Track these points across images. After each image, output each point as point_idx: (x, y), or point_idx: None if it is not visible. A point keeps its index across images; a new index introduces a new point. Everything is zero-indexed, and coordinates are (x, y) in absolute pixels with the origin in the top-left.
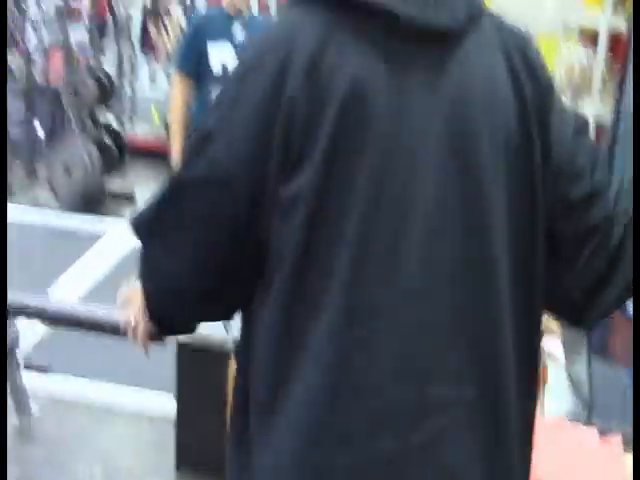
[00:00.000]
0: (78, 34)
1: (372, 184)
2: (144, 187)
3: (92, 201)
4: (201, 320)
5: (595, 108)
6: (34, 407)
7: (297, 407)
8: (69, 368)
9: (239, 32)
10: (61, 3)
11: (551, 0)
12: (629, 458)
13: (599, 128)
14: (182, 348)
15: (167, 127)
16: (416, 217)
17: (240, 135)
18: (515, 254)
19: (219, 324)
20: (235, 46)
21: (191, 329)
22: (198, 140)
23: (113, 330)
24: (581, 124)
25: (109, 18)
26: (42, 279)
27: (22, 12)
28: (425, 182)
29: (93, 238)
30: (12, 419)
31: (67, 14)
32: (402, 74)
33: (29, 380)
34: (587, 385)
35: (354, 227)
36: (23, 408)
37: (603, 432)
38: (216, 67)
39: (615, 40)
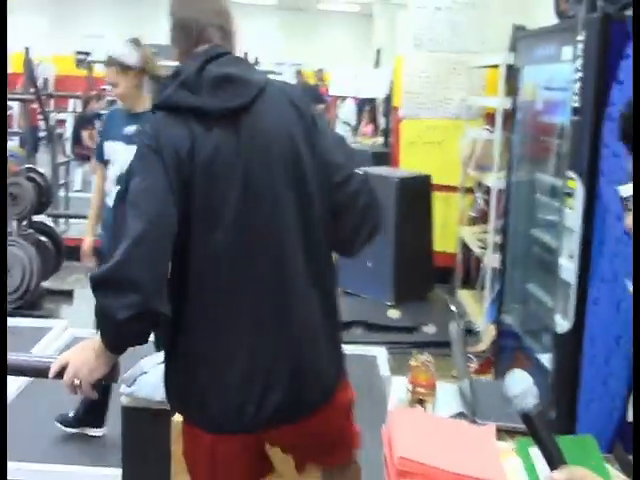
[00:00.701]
0: (10, 142)
1: (219, 199)
2: (81, 284)
3: (30, 299)
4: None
5: (496, 176)
6: None
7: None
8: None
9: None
10: None
11: (458, 90)
12: (500, 443)
13: (499, 192)
14: (126, 410)
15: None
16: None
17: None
18: (303, 225)
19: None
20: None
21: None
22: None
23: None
24: (339, 137)
25: (40, 125)
26: None
27: None
28: (233, 189)
29: (35, 337)
30: None
31: None
32: (216, 136)
33: None
34: (470, 395)
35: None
36: None
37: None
38: (112, 164)
39: (506, 115)
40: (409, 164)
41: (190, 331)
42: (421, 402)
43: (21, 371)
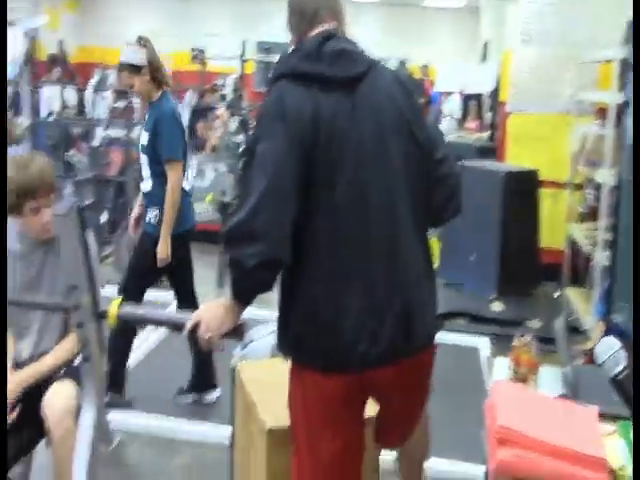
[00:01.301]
0: (134, 131)
1: (338, 157)
2: (198, 262)
3: None
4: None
5: (608, 173)
6: (116, 438)
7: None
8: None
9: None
10: (119, 104)
11: (568, 85)
12: (602, 425)
13: (610, 188)
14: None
15: (219, 209)
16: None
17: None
18: (408, 186)
19: None
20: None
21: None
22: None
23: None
24: (435, 127)
25: None
26: None
27: (84, 114)
28: (349, 151)
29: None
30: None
31: (122, 114)
32: (335, 108)
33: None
34: (573, 379)
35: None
36: (106, 438)
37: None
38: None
39: (619, 110)
40: (515, 159)
41: (309, 278)
42: (523, 380)
43: (160, 324)
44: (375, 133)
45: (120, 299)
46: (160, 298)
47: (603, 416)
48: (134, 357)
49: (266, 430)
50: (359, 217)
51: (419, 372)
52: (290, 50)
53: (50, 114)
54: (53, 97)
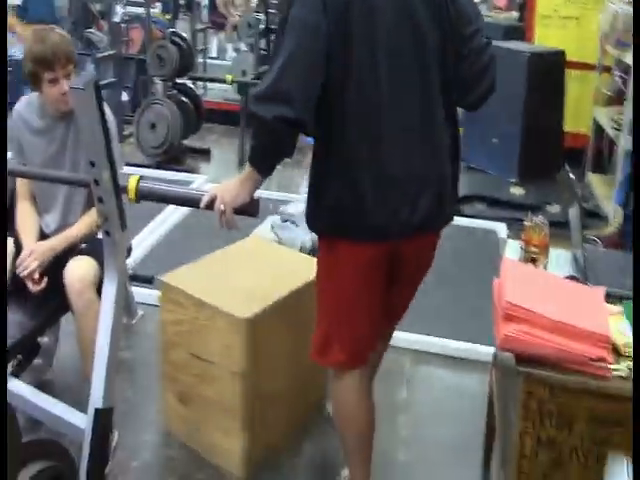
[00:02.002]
0: (152, 9)
1: (371, 30)
2: (218, 144)
3: (173, 154)
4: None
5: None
6: (140, 311)
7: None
8: None
9: None
10: None
11: None
12: (608, 305)
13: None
14: None
15: (240, 89)
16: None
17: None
18: (441, 62)
19: None
20: None
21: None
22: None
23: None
24: (474, 2)
25: None
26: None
27: None
28: (384, 23)
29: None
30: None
31: None
32: None
33: (136, 289)
34: (583, 261)
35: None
36: (130, 310)
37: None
38: None
39: None
40: (544, 39)
41: (351, 146)
42: (533, 261)
43: (178, 200)
44: (407, 9)
45: (139, 176)
46: (181, 177)
47: (609, 297)
48: (153, 237)
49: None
50: (394, 91)
51: (432, 249)
52: None
53: None
54: None
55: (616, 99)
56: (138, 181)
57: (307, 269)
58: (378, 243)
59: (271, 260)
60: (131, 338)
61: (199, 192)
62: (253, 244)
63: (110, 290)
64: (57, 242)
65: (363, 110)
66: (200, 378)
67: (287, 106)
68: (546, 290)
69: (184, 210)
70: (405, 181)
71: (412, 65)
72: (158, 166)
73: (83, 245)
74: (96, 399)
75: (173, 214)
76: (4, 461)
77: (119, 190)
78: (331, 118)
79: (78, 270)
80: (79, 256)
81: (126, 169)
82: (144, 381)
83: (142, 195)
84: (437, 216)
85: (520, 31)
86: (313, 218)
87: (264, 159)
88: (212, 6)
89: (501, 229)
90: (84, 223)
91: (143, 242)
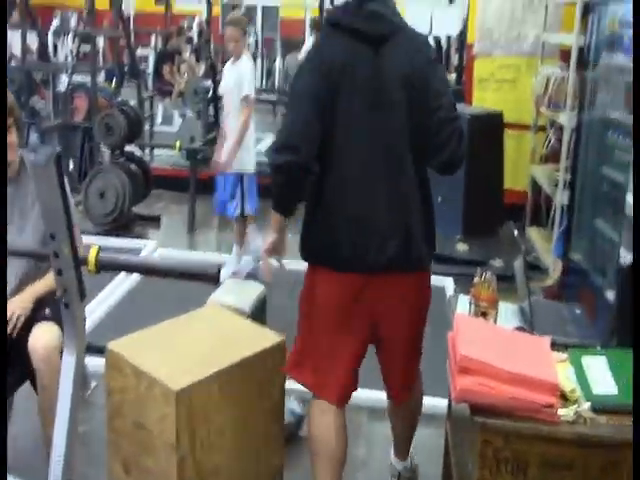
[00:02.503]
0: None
1: (351, 109)
2: (167, 211)
3: (122, 222)
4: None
5: (570, 115)
6: (93, 381)
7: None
8: None
9: None
10: (83, 49)
11: (534, 27)
12: (554, 353)
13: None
14: None
15: (188, 155)
16: (364, 116)
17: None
18: (409, 127)
19: None
20: None
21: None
22: (294, 94)
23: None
24: (444, 79)
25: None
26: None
27: (47, 59)
28: (365, 94)
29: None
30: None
31: (86, 59)
32: (363, 56)
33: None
34: (529, 312)
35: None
36: (84, 382)
37: None
38: None
39: (581, 53)
40: (481, 101)
41: (325, 195)
42: (484, 314)
43: (138, 269)
44: (387, 82)
45: (98, 246)
46: (130, 245)
47: (555, 345)
48: (105, 305)
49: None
50: (370, 146)
51: (413, 292)
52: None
53: (11, 59)
54: (14, 41)
55: (551, 157)
56: (98, 252)
57: (259, 339)
58: (349, 274)
59: (223, 329)
60: (85, 410)
61: (157, 259)
62: (208, 312)
63: (70, 361)
64: (27, 295)
65: (341, 165)
66: (142, 447)
67: (295, 154)
68: (497, 342)
69: (136, 277)
70: (374, 227)
71: (383, 127)
72: (106, 234)
73: (47, 311)
74: (55, 476)
75: (124, 282)
76: (4, 461)
77: (79, 262)
78: (322, 173)
79: (43, 336)
80: (43, 322)
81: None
82: (100, 455)
83: (102, 266)
84: (404, 258)
85: (459, 94)
86: (301, 249)
87: (282, 200)
88: (157, 73)
89: (449, 284)
90: (50, 279)
91: (96, 310)
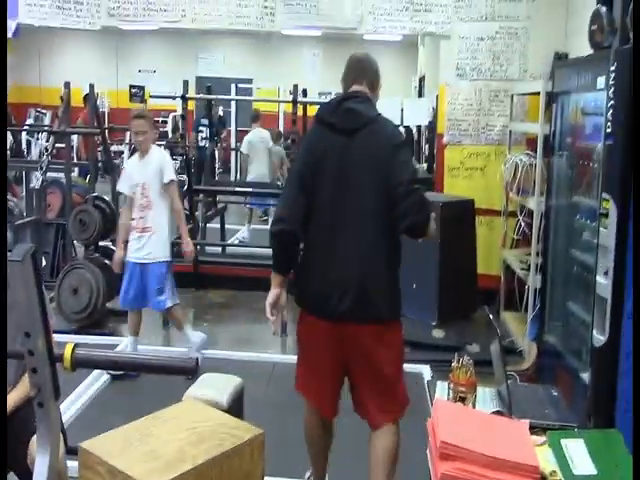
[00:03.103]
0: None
1: (325, 186)
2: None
3: (96, 318)
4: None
5: (538, 200)
6: None
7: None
8: None
9: None
10: (57, 146)
11: (500, 117)
12: (533, 436)
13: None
14: None
15: None
16: (332, 199)
17: (298, 165)
18: (375, 207)
19: None
20: None
21: (291, 252)
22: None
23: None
24: (407, 162)
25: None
26: None
27: (21, 155)
28: (333, 176)
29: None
30: None
31: (59, 156)
32: (337, 143)
33: None
34: (507, 396)
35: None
36: None
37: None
38: None
39: (546, 141)
40: (452, 189)
41: (306, 254)
42: (462, 400)
43: (115, 365)
44: (357, 165)
45: (74, 343)
46: (104, 341)
47: (533, 428)
48: (80, 403)
49: None
50: (336, 219)
51: (383, 339)
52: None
53: None
54: None
55: (522, 241)
56: (73, 349)
57: (237, 432)
58: (318, 317)
59: (200, 423)
60: None
61: (134, 354)
62: (184, 407)
63: (43, 462)
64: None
65: (316, 231)
66: None
67: (284, 224)
68: (476, 427)
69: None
70: (335, 283)
71: (348, 202)
72: (77, 332)
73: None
74: None
75: (99, 378)
76: (4, 461)
77: (54, 359)
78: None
79: None
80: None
81: None
82: None
83: (78, 362)
84: (360, 310)
85: (430, 182)
86: (294, 295)
87: (277, 260)
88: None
89: (426, 371)
90: (22, 387)
91: (70, 408)
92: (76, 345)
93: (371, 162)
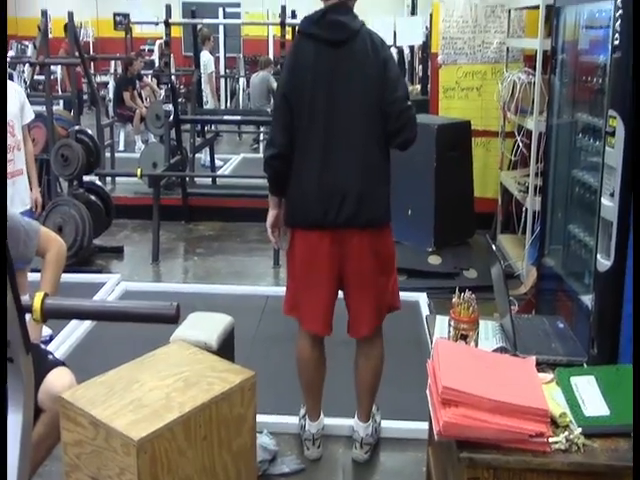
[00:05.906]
0: (55, 106)
1: (315, 103)
2: (130, 240)
3: (83, 256)
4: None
5: (537, 120)
6: None
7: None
8: None
9: None
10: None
11: (497, 33)
12: (540, 374)
13: (540, 135)
14: None
15: (150, 182)
16: (321, 105)
17: (283, 80)
18: (368, 122)
19: None
20: None
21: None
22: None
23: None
24: (398, 73)
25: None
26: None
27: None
28: (322, 88)
29: (91, 291)
30: None
31: (43, 88)
32: (323, 56)
33: None
34: (511, 330)
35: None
36: None
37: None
38: None
39: (546, 57)
40: (447, 110)
41: (300, 169)
42: (464, 337)
43: (89, 315)
44: (346, 76)
45: (43, 293)
46: (92, 279)
47: (540, 364)
48: (62, 349)
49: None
50: (329, 132)
51: (369, 243)
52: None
53: None
54: None
55: (520, 163)
56: (43, 299)
57: (227, 376)
58: (316, 231)
59: (187, 368)
60: (42, 466)
61: (110, 303)
62: (171, 350)
63: (16, 420)
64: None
65: (306, 145)
66: None
67: (273, 148)
68: (480, 369)
69: None
70: (332, 193)
71: (338, 113)
72: (66, 269)
73: (50, 357)
74: None
75: (81, 324)
76: (4, 461)
77: (22, 311)
78: (295, 153)
79: (59, 384)
80: (55, 369)
81: (33, 275)
82: None
83: (49, 314)
84: (357, 216)
85: (425, 104)
86: (284, 216)
87: (271, 184)
88: (117, 99)
89: (422, 299)
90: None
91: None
92: (46, 294)
93: (361, 76)
